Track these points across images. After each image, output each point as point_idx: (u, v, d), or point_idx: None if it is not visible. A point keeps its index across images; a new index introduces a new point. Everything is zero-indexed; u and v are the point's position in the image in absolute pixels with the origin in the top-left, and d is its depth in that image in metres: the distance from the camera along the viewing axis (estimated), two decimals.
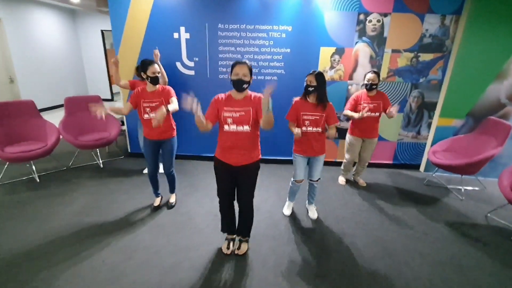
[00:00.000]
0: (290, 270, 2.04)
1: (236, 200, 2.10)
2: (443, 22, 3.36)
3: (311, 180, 2.62)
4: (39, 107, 6.67)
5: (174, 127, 2.62)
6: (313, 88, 2.29)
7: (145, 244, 2.27)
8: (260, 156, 2.02)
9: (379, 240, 2.42)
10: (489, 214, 2.88)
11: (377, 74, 2.92)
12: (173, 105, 2.35)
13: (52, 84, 6.94)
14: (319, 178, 2.60)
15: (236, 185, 2.04)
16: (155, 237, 2.36)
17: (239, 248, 2.20)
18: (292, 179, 2.64)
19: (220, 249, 2.23)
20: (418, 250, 2.30)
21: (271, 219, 2.68)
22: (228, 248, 2.20)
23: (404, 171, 3.91)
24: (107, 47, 7.90)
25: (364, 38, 3.45)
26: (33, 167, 3.28)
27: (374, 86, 2.92)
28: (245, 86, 1.81)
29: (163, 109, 2.16)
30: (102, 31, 7.66)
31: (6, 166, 3.30)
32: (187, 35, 3.49)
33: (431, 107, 3.69)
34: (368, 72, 2.96)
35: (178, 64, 3.61)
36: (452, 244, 2.40)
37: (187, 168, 3.77)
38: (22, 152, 3.06)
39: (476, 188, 3.46)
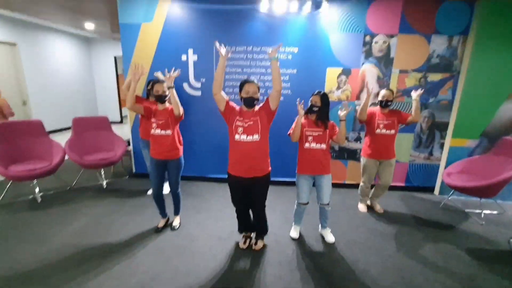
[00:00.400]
0: None
1: (250, 207, 2.31)
2: (451, 43, 3.35)
3: (321, 204, 2.48)
4: (50, 129, 6.91)
5: (181, 147, 2.59)
6: (317, 108, 2.31)
7: (143, 268, 2.13)
8: (270, 169, 2.17)
9: (396, 268, 2.22)
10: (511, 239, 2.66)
11: (392, 91, 2.85)
12: (177, 100, 2.35)
13: (64, 107, 7.12)
14: (329, 202, 2.46)
15: (248, 196, 2.21)
16: (154, 261, 2.22)
17: (256, 243, 2.41)
18: (296, 202, 2.54)
19: (222, 278, 2.07)
20: (439, 280, 2.09)
21: (277, 243, 2.52)
22: (244, 243, 2.42)
23: (418, 194, 3.72)
24: (119, 72, 8.18)
25: (370, 59, 3.45)
26: (36, 187, 3.24)
27: (389, 103, 2.84)
28: (255, 103, 2.02)
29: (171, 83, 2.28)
30: (115, 57, 7.97)
31: (9, 185, 3.27)
32: (195, 57, 3.57)
33: (443, 127, 3.58)
34: (382, 89, 2.89)
35: (185, 85, 3.65)
36: (475, 272, 2.19)
37: (190, 189, 3.67)
38: (26, 171, 3.03)
39: (495, 212, 3.24)
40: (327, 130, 2.33)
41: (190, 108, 3.66)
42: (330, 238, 2.57)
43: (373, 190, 3.18)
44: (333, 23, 3.37)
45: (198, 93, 3.66)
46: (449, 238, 2.67)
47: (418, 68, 3.43)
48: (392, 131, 2.86)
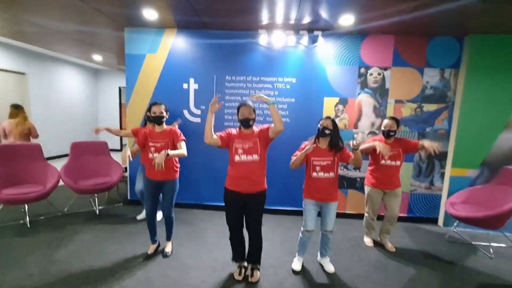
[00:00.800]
0: None
1: (245, 227, 2.24)
2: (443, 75, 3.47)
3: (325, 231, 2.40)
4: (51, 155, 6.92)
5: (177, 169, 2.55)
6: (329, 131, 2.26)
7: None
8: (266, 187, 2.22)
9: None
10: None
11: (396, 120, 2.74)
12: (180, 151, 2.36)
13: (66, 133, 7.20)
14: (333, 229, 2.38)
15: (245, 214, 2.20)
16: None
17: (252, 275, 2.29)
18: (302, 229, 2.42)
19: None
20: None
21: (275, 276, 2.36)
22: (240, 274, 2.30)
23: (421, 225, 3.58)
24: (123, 101, 8.39)
25: (366, 90, 3.55)
26: (26, 212, 3.14)
27: (392, 133, 2.73)
28: (251, 123, 2.14)
29: (164, 152, 2.16)
30: (119, 87, 8.24)
31: (0, 208, 3.18)
32: (196, 86, 3.68)
33: (442, 157, 3.56)
34: (386, 119, 2.80)
35: (185, 112, 3.72)
36: None
37: (185, 217, 3.55)
38: (18, 194, 2.96)
39: (503, 245, 3.09)
40: (336, 158, 2.29)
41: (189, 134, 3.66)
42: (329, 267, 2.45)
43: (381, 224, 2.97)
44: (329, 56, 3.53)
45: (198, 119, 3.71)
46: (458, 273, 2.51)
47: (413, 98, 3.52)
48: (398, 162, 2.73)
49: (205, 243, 2.89)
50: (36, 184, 3.29)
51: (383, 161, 2.73)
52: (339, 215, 3.63)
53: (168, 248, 2.64)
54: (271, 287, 2.21)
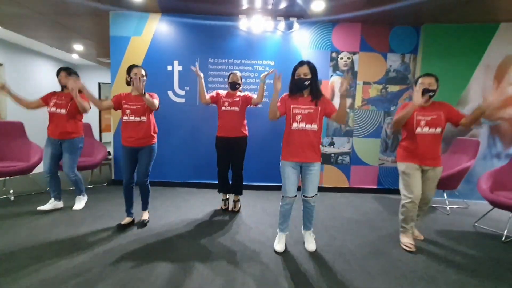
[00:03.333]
0: None
1: (231, 168, 2.97)
2: (403, 60, 3.91)
3: (305, 197, 2.09)
4: None
5: (155, 135, 2.51)
6: (309, 82, 1.99)
7: None
8: (247, 134, 2.93)
9: (373, 245, 2.33)
10: (476, 224, 2.87)
11: (435, 77, 2.18)
12: (154, 100, 2.37)
13: (41, 127, 7.00)
14: (316, 194, 2.09)
15: (230, 155, 2.89)
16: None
17: (235, 207, 3.03)
18: (282, 197, 2.12)
19: None
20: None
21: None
22: (225, 205, 3.05)
23: (389, 195, 3.94)
24: (102, 97, 8.30)
25: (337, 72, 3.91)
26: (11, 189, 3.13)
27: (431, 93, 2.15)
28: (237, 86, 2.91)
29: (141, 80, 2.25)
30: (99, 83, 8.16)
31: None
32: (180, 68, 3.86)
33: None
34: (421, 76, 2.21)
35: (170, 93, 3.87)
36: (442, 249, 2.34)
37: (171, 193, 3.66)
38: (2, 167, 2.96)
39: (461, 206, 3.50)
40: (319, 107, 2.00)
41: (173, 114, 3.84)
42: (311, 246, 2.15)
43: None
44: (304, 41, 3.87)
45: (182, 100, 3.88)
46: (419, 226, 2.81)
47: (378, 80, 3.92)
48: (438, 130, 2.16)
49: (189, 209, 3.03)
50: (20, 161, 3.28)
51: (418, 129, 2.18)
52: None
53: (145, 216, 2.58)
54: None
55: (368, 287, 1.70)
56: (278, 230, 2.21)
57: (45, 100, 2.81)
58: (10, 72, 6.11)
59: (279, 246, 2.13)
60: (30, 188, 3.54)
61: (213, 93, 2.95)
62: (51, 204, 2.86)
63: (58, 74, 2.86)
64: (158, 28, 3.80)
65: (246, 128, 2.95)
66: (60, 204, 2.91)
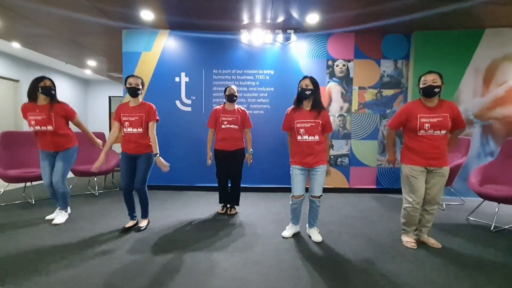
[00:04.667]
0: None
1: (229, 178, 3.07)
2: (396, 65, 4.14)
3: (312, 196, 2.33)
4: None
5: (150, 144, 2.50)
6: (310, 92, 2.23)
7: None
8: (244, 145, 3.02)
9: (366, 236, 2.50)
10: (469, 217, 3.01)
11: (439, 74, 2.12)
12: (155, 139, 2.41)
13: None
14: (321, 195, 2.32)
15: (229, 167, 2.98)
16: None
17: (230, 211, 3.12)
18: (291, 195, 2.38)
19: None
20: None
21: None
22: (222, 210, 3.15)
23: (388, 194, 4.09)
24: (112, 110, 8.70)
25: (334, 79, 4.16)
26: (32, 194, 3.40)
27: (436, 89, 2.07)
28: (234, 98, 2.95)
29: (159, 158, 2.40)
30: (109, 97, 8.58)
31: (4, 190, 3.41)
32: (187, 79, 4.16)
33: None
34: (423, 75, 2.17)
35: (177, 102, 4.16)
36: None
37: (179, 197, 3.89)
38: (22, 173, 3.30)
39: (457, 203, 3.64)
40: (320, 121, 2.23)
41: (181, 122, 4.12)
42: (317, 237, 2.38)
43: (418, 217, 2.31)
44: (302, 51, 4.14)
45: (189, 108, 4.16)
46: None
47: (373, 85, 4.15)
48: (443, 132, 2.09)
49: (196, 209, 3.25)
50: (37, 167, 3.58)
51: (422, 132, 2.12)
52: None
53: (143, 224, 2.61)
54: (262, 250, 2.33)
55: (359, 268, 1.88)
56: (290, 222, 2.51)
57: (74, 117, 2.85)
58: (26, 88, 6.49)
59: (286, 232, 2.46)
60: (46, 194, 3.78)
61: (211, 121, 2.97)
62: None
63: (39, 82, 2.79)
64: (167, 43, 4.13)
65: (243, 140, 3.05)
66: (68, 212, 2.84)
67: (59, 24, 3.94)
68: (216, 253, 2.10)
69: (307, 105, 2.29)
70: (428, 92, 2.10)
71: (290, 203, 2.39)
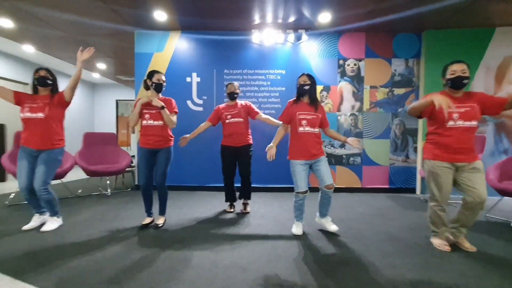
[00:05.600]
0: None
1: (239, 173, 2.98)
2: (407, 64, 4.15)
3: (325, 187, 2.27)
4: None
5: (172, 138, 2.58)
6: (308, 87, 2.32)
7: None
8: (251, 142, 3.01)
9: (388, 233, 2.47)
10: (487, 214, 2.98)
11: (467, 64, 1.97)
12: (172, 117, 2.45)
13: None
14: (334, 184, 2.30)
15: (237, 162, 2.98)
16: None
17: (245, 209, 3.05)
18: (294, 193, 2.33)
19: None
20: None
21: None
22: (230, 208, 3.10)
23: (402, 194, 4.05)
24: (119, 114, 8.74)
25: (345, 78, 4.16)
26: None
27: (465, 80, 1.93)
28: (235, 96, 2.96)
29: (162, 106, 2.36)
30: (117, 100, 8.63)
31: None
32: (198, 79, 4.18)
33: (413, 133, 4.14)
34: (449, 64, 2.02)
35: (189, 102, 4.18)
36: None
37: (191, 197, 3.87)
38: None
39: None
40: (319, 115, 2.33)
41: (193, 122, 4.10)
42: (332, 227, 2.37)
43: (457, 214, 2.09)
44: (313, 51, 4.16)
45: (200, 108, 4.17)
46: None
47: (384, 84, 4.15)
48: (474, 123, 1.94)
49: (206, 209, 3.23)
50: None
51: (451, 122, 1.96)
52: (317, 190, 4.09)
53: (161, 221, 2.59)
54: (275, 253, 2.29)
55: (385, 262, 1.85)
56: (295, 220, 2.46)
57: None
58: None
59: (297, 230, 2.39)
60: (62, 193, 3.79)
61: (211, 116, 3.01)
62: (37, 220, 2.52)
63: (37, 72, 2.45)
64: (178, 44, 4.16)
65: (251, 136, 3.02)
66: (46, 218, 2.55)
67: (72, 26, 3.98)
68: (225, 250, 2.07)
69: (306, 99, 2.38)
70: (457, 82, 1.94)
71: (294, 199, 2.35)
